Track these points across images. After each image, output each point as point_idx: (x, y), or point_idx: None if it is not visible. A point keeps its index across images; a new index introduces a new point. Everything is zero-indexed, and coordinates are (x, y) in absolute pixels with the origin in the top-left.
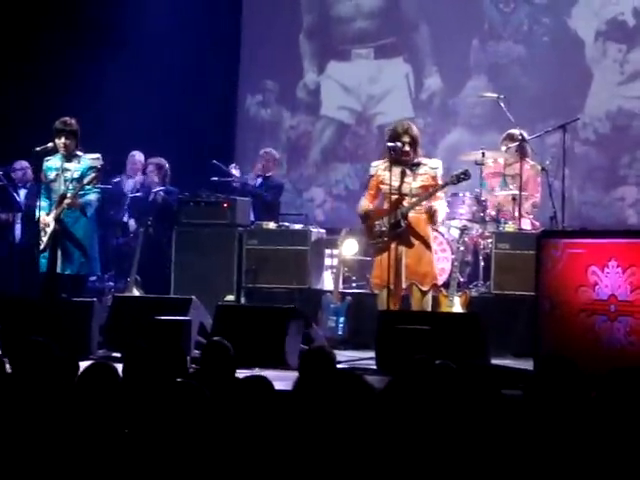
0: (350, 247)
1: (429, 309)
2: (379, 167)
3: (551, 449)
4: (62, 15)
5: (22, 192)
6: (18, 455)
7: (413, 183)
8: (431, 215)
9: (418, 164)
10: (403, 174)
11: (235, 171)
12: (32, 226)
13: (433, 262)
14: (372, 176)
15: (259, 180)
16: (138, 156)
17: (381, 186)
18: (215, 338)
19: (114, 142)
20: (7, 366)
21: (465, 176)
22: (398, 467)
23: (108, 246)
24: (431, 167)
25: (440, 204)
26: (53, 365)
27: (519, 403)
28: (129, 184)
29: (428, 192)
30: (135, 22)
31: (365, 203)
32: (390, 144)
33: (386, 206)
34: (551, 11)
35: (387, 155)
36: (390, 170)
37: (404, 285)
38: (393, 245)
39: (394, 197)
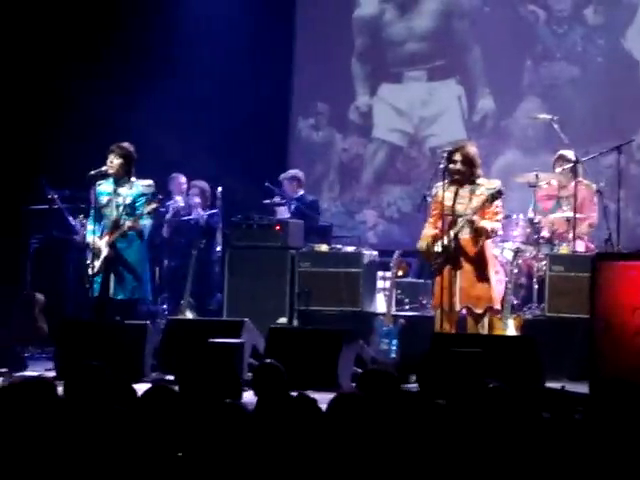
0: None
1: (484, 332)
2: (439, 187)
3: (611, 473)
4: (116, 43)
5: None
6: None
7: (469, 204)
8: (477, 232)
9: (477, 185)
10: (457, 194)
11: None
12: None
13: (490, 285)
14: (433, 197)
15: (294, 204)
16: (182, 178)
17: (441, 208)
18: (267, 360)
19: (168, 166)
20: (60, 389)
21: (498, 194)
22: None
23: (161, 269)
24: (487, 188)
25: (489, 224)
26: (107, 389)
27: (577, 427)
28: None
29: (475, 209)
30: (188, 46)
31: (428, 230)
32: (441, 166)
33: (445, 227)
34: (605, 32)
35: (442, 177)
36: (445, 190)
37: (458, 307)
38: (448, 267)
39: (449, 218)
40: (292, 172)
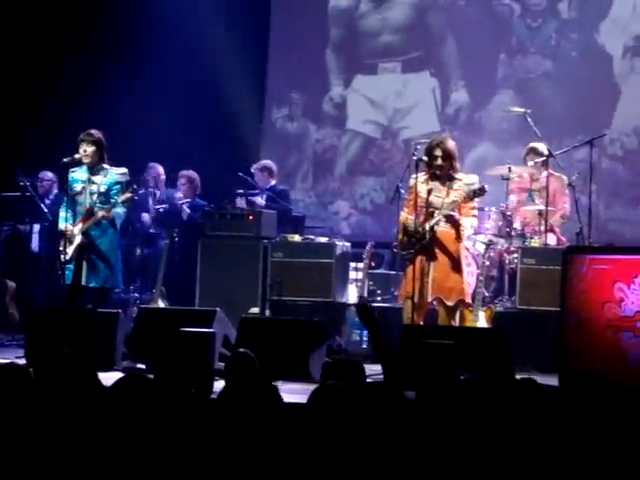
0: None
1: (455, 324)
2: (418, 179)
3: (578, 465)
4: (89, 31)
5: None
6: (39, 462)
7: (446, 198)
8: (457, 231)
9: (454, 179)
10: (435, 188)
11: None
12: (55, 237)
13: (462, 278)
14: (410, 188)
15: (265, 194)
16: (159, 168)
17: (417, 199)
18: (240, 350)
19: (140, 156)
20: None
21: (481, 192)
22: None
23: (133, 258)
24: (465, 183)
25: (469, 221)
26: (75, 376)
27: (544, 418)
28: (155, 195)
29: (453, 205)
30: (160, 35)
31: (404, 215)
32: (423, 158)
33: (420, 219)
34: (579, 26)
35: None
36: (425, 183)
37: (429, 299)
38: (420, 258)
39: (424, 210)
40: (263, 162)
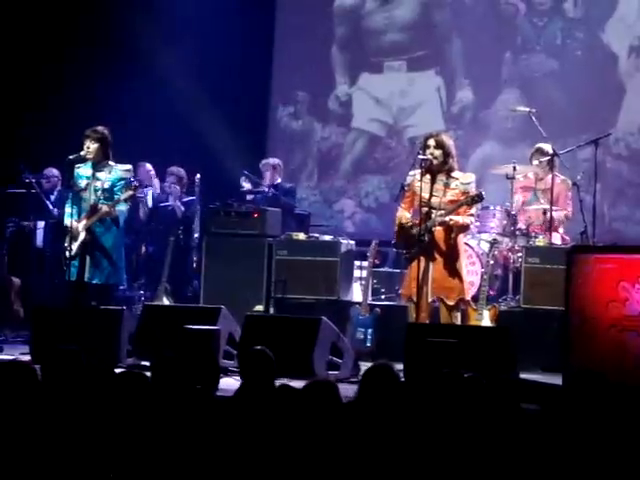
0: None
1: (457, 323)
2: (415, 177)
3: (579, 463)
4: (94, 28)
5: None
6: (46, 459)
7: (443, 197)
8: (452, 231)
9: (451, 177)
10: (433, 187)
11: (246, 183)
12: (60, 233)
13: (462, 277)
14: (408, 185)
15: (271, 190)
16: (147, 165)
17: (415, 197)
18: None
19: (143, 154)
20: (39, 374)
21: (479, 198)
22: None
23: (138, 255)
24: (462, 182)
25: (466, 220)
26: (82, 373)
27: (546, 418)
28: (149, 194)
29: (450, 208)
30: (165, 34)
31: (402, 212)
32: (419, 156)
33: (418, 218)
34: (584, 25)
35: (420, 166)
36: (422, 181)
37: (430, 298)
38: (420, 258)
39: (424, 209)
40: (271, 160)
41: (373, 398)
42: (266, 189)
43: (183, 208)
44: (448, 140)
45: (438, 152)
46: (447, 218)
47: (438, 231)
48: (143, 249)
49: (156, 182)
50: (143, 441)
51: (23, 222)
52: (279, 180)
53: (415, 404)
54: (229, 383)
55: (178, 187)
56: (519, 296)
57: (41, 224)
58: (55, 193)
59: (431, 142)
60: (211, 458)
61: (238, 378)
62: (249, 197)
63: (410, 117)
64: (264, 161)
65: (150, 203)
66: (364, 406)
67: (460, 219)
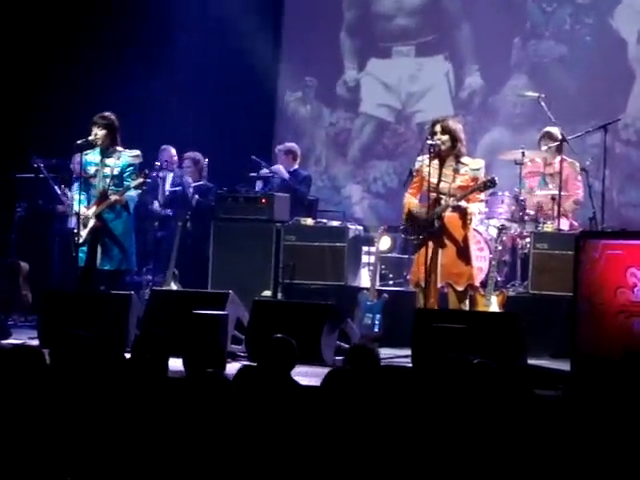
0: (385, 243)
1: (465, 309)
2: (424, 162)
3: (589, 449)
4: (105, 15)
5: (76, 185)
6: (54, 444)
7: (452, 183)
8: (464, 217)
9: (461, 163)
10: (442, 172)
11: (265, 169)
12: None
13: (470, 262)
14: (417, 170)
15: (282, 177)
16: (171, 150)
17: (423, 182)
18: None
19: (153, 139)
20: (47, 358)
21: (491, 184)
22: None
23: (146, 240)
24: (472, 168)
25: (476, 206)
26: (91, 358)
27: (556, 403)
28: (168, 178)
29: (462, 194)
30: (174, 20)
31: (410, 198)
32: (428, 141)
33: (426, 203)
34: (594, 11)
35: (428, 152)
36: (430, 167)
37: (439, 284)
38: (429, 243)
39: (432, 195)
40: (289, 145)
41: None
42: (271, 174)
43: (197, 196)
44: (454, 124)
45: (445, 137)
46: (461, 203)
47: (447, 217)
48: (151, 234)
49: (175, 168)
50: (153, 426)
51: (38, 205)
52: (296, 167)
53: (423, 390)
54: (236, 368)
55: (193, 173)
56: (527, 282)
57: (60, 208)
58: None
59: (437, 128)
60: (228, 446)
61: (246, 363)
62: (260, 184)
63: (419, 102)
64: (282, 146)
65: (168, 187)
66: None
67: (474, 207)
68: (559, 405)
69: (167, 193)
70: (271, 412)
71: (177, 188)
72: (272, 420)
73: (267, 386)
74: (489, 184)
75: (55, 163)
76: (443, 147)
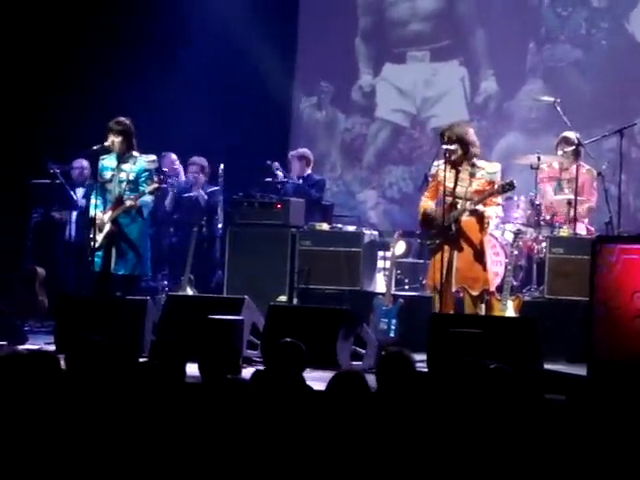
0: (400, 248)
1: (481, 313)
2: (440, 167)
3: (606, 453)
4: (118, 18)
5: (80, 191)
6: (69, 448)
7: (469, 187)
8: (481, 221)
9: (477, 167)
10: (458, 177)
11: (279, 172)
12: (86, 224)
13: (486, 267)
14: (433, 175)
15: (300, 181)
16: (172, 156)
17: (439, 187)
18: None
19: (167, 144)
20: (62, 363)
21: (510, 187)
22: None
23: (162, 246)
24: (488, 172)
25: (493, 210)
26: (106, 363)
27: (570, 408)
28: (173, 186)
29: (479, 198)
30: (189, 23)
31: (426, 202)
32: (443, 146)
33: (442, 208)
34: (609, 15)
35: (444, 156)
36: (445, 171)
37: (454, 288)
38: (445, 248)
39: (449, 199)
40: (302, 150)
41: (392, 388)
42: (287, 180)
43: (207, 197)
44: (460, 129)
45: (454, 146)
46: (479, 207)
47: (464, 221)
48: (166, 239)
49: (181, 172)
50: (168, 430)
51: (53, 213)
52: (309, 172)
53: (439, 395)
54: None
55: (202, 176)
56: (543, 286)
57: (74, 215)
58: (86, 184)
59: (445, 138)
60: (241, 449)
61: (261, 368)
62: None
63: (434, 107)
64: (295, 152)
65: (172, 192)
66: (385, 396)
67: (491, 210)
68: (571, 409)
69: (180, 198)
70: (283, 416)
71: (191, 194)
72: (284, 424)
73: (279, 390)
74: (507, 187)
75: (69, 169)
76: (454, 156)
